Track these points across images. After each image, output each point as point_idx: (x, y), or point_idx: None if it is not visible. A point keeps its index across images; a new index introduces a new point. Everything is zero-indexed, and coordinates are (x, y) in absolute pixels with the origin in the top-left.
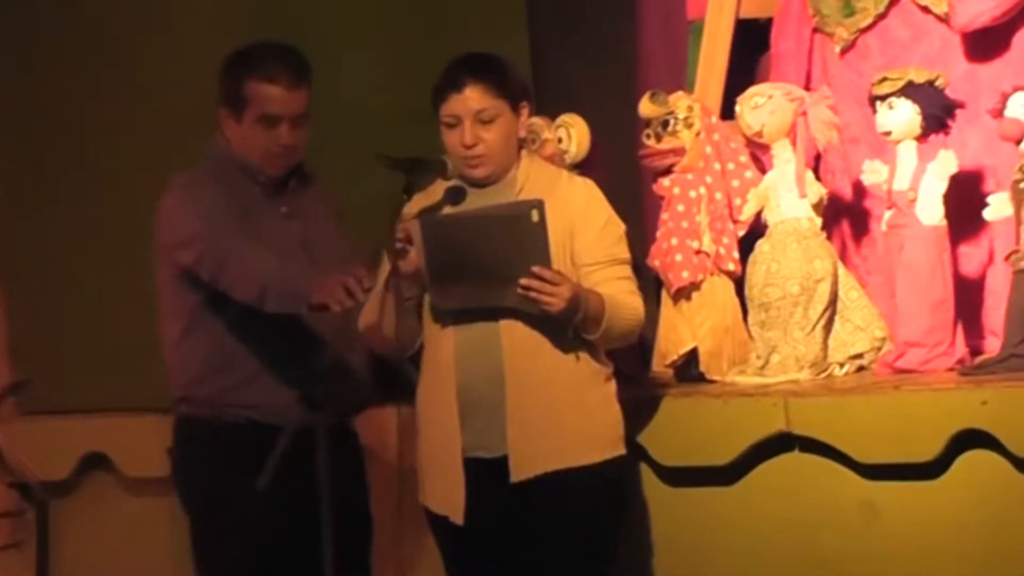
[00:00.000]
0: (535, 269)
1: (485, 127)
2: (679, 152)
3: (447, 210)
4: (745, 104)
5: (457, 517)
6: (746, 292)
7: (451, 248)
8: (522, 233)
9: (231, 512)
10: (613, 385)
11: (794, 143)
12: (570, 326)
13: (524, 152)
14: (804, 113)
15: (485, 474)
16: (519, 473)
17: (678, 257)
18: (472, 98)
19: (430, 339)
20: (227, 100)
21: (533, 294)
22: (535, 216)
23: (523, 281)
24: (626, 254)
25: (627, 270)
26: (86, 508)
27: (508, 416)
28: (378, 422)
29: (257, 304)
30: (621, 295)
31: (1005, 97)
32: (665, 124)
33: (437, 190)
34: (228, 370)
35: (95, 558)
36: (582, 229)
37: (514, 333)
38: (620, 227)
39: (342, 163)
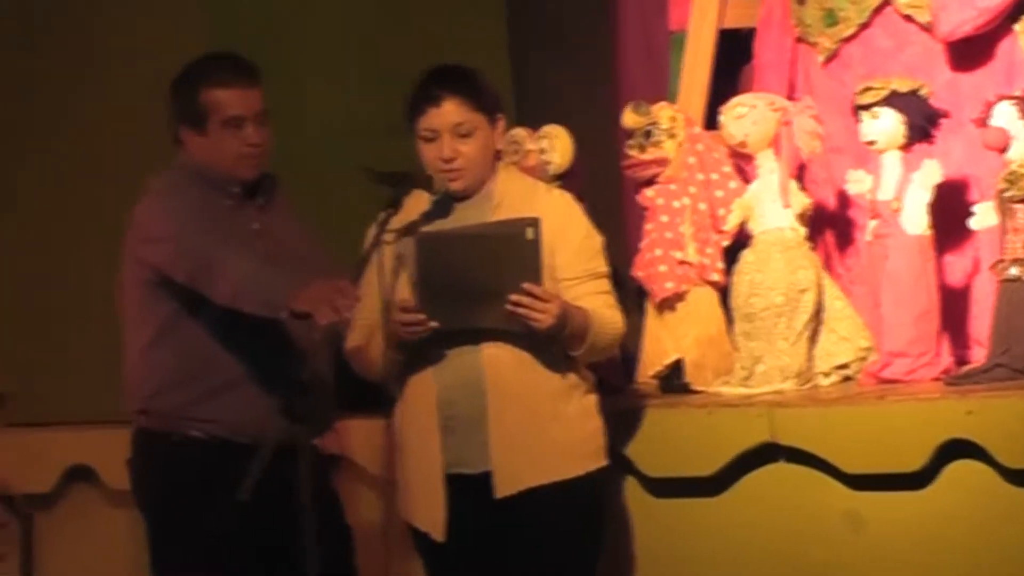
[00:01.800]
0: (526, 286)
1: (463, 140)
2: (662, 163)
3: (434, 225)
4: (728, 114)
5: (438, 534)
6: (730, 302)
7: (444, 265)
8: (516, 251)
9: (188, 529)
10: (594, 396)
11: (778, 153)
12: (556, 342)
13: (500, 164)
14: (787, 123)
15: (467, 490)
16: (503, 489)
17: (662, 268)
18: (450, 111)
19: (410, 354)
20: (185, 116)
21: (522, 311)
22: (530, 234)
23: (513, 297)
24: (605, 267)
25: (606, 284)
26: (70, 520)
27: (490, 432)
28: (362, 434)
29: (234, 303)
30: (602, 309)
31: (989, 106)
32: (648, 134)
33: (416, 204)
34: (195, 383)
35: (79, 570)
36: (561, 244)
37: (494, 347)
38: (598, 240)
39: (317, 176)
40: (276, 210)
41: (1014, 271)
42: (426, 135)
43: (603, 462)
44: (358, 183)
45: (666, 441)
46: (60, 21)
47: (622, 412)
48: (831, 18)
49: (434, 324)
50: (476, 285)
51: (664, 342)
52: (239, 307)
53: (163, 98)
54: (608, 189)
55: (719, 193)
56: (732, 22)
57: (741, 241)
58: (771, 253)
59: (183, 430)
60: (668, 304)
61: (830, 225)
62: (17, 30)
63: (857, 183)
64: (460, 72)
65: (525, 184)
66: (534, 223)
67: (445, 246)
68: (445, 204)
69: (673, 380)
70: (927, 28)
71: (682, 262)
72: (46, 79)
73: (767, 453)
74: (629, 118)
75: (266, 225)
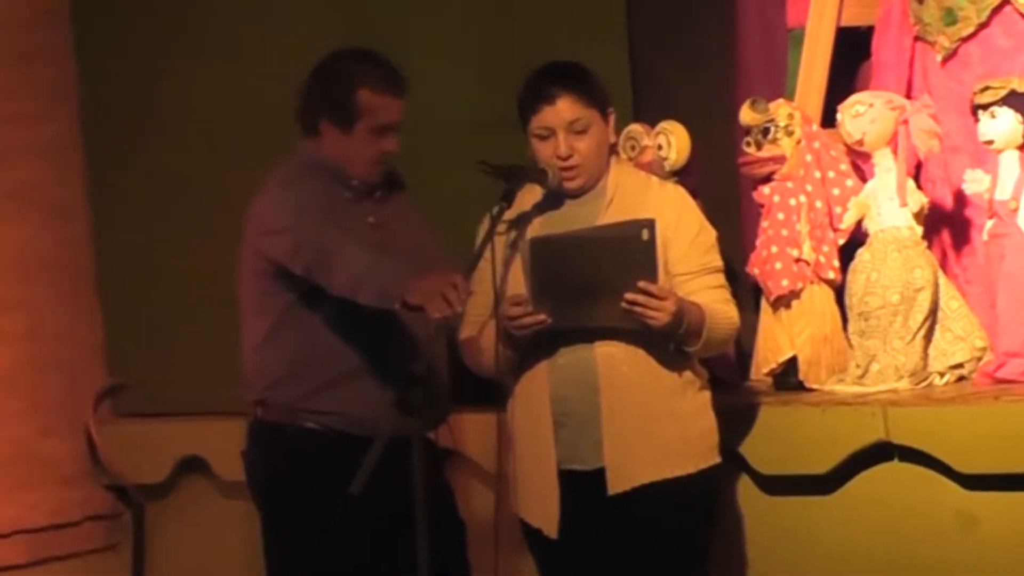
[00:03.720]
0: (642, 284)
1: (578, 137)
2: (779, 160)
3: (546, 219)
4: (846, 112)
5: (551, 531)
6: (846, 301)
7: (559, 268)
8: (632, 253)
9: (302, 520)
10: (708, 394)
11: (895, 152)
12: (672, 340)
13: (614, 159)
14: (905, 122)
15: (579, 487)
16: (616, 486)
17: (778, 265)
18: (565, 109)
19: (523, 351)
20: (333, 111)
21: (639, 309)
22: (645, 235)
23: (629, 296)
24: (719, 262)
25: (721, 278)
26: (182, 511)
27: (604, 428)
28: (475, 429)
29: (352, 294)
30: (717, 304)
31: None
32: (765, 132)
33: (528, 197)
34: (311, 374)
35: (191, 561)
36: (675, 238)
37: (608, 345)
38: (712, 234)
39: (432, 169)
40: (393, 204)
41: None
42: (541, 133)
43: (716, 459)
44: (474, 176)
45: (779, 439)
46: (182, 17)
47: (736, 409)
48: (950, 17)
49: (545, 318)
50: (591, 286)
51: (779, 339)
52: (356, 298)
53: (288, 89)
54: (724, 186)
55: (836, 191)
56: (850, 20)
57: (857, 239)
58: (887, 252)
59: (299, 422)
60: (783, 302)
61: (946, 224)
62: (141, 28)
63: (974, 182)
64: (571, 68)
65: (639, 179)
66: (650, 224)
67: (560, 249)
68: (557, 198)
69: (787, 378)
70: None
71: (798, 260)
72: (167, 74)
73: (881, 452)
74: (747, 115)
75: (382, 219)
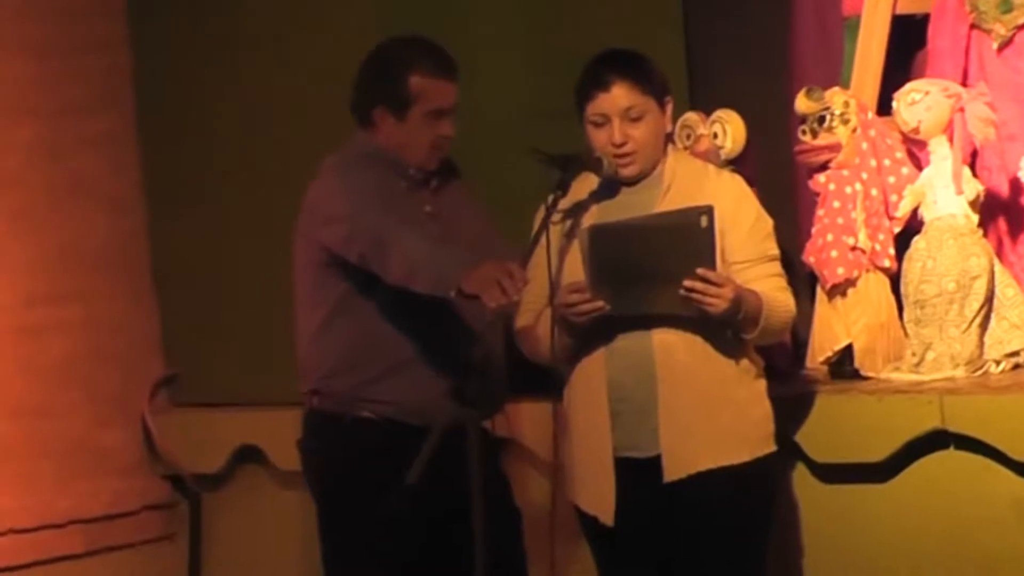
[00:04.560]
0: (700, 271)
1: (634, 124)
2: (835, 148)
3: (602, 207)
4: (902, 100)
5: (607, 518)
6: (901, 289)
7: (617, 255)
8: (690, 240)
9: (358, 510)
10: (763, 382)
11: (951, 140)
12: (730, 326)
13: (670, 147)
14: (961, 110)
15: (636, 474)
16: (672, 473)
17: (833, 253)
18: (620, 96)
19: (580, 339)
20: (387, 98)
21: (696, 295)
22: (704, 222)
23: (687, 283)
24: (776, 250)
25: (777, 266)
26: (238, 501)
27: (660, 415)
28: (530, 417)
29: (407, 283)
30: (774, 292)
31: None
32: (821, 120)
33: (584, 186)
34: (367, 364)
35: (247, 550)
36: (732, 226)
37: (665, 332)
38: (769, 223)
39: (488, 158)
40: (449, 193)
41: None
42: (596, 120)
43: (772, 447)
44: (529, 165)
45: (835, 427)
46: (237, 7)
47: (791, 397)
48: (1006, 5)
49: (603, 305)
50: (649, 273)
51: (834, 328)
52: (411, 287)
53: (342, 81)
54: (780, 174)
55: (891, 179)
56: (906, 8)
57: (913, 227)
58: (943, 240)
59: (355, 411)
60: (839, 290)
61: (1002, 212)
62: (196, 18)
63: None
64: (628, 56)
65: (695, 167)
66: (708, 211)
67: (618, 237)
68: (613, 186)
69: (843, 366)
70: None
71: (853, 248)
72: (222, 66)
73: (937, 440)
74: (802, 103)
75: (438, 208)
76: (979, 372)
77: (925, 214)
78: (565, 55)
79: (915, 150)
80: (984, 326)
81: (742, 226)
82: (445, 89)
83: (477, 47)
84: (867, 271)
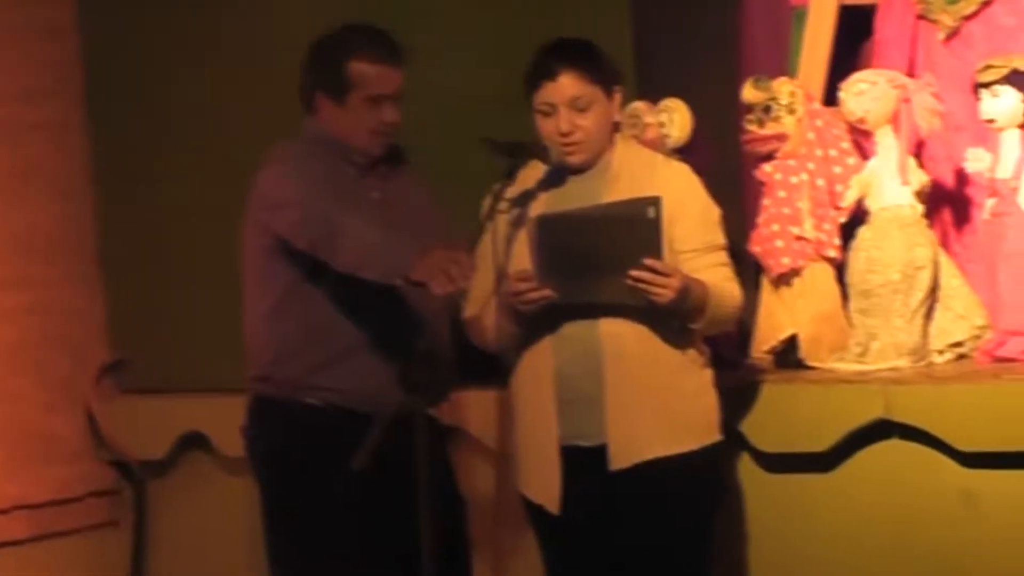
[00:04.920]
0: (647, 261)
1: (581, 114)
2: (781, 138)
3: (549, 196)
4: (848, 90)
5: (553, 507)
6: (847, 279)
7: (565, 244)
8: (638, 230)
9: (303, 496)
10: (710, 371)
11: (897, 130)
12: (677, 316)
13: (618, 136)
14: (907, 100)
15: (582, 463)
16: (618, 462)
17: (779, 243)
18: (567, 85)
19: (527, 328)
20: (326, 84)
21: (644, 285)
22: (651, 213)
23: (634, 272)
24: (723, 239)
25: (724, 256)
26: (183, 487)
27: (607, 404)
28: (477, 405)
29: (355, 270)
30: (721, 282)
31: None
32: (768, 110)
33: (532, 174)
34: (314, 351)
35: (192, 537)
36: (680, 215)
37: (612, 321)
38: (717, 212)
39: (437, 146)
40: (398, 180)
41: None
42: (544, 109)
43: (718, 437)
44: (478, 154)
45: (780, 416)
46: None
47: (737, 387)
48: None
49: (550, 293)
50: (596, 262)
51: (779, 317)
52: (360, 274)
53: (291, 68)
54: (727, 163)
55: (837, 169)
56: None
57: (858, 218)
58: (889, 230)
59: (301, 398)
60: (784, 279)
61: (948, 203)
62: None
63: (976, 161)
64: (577, 45)
65: (643, 156)
66: (655, 202)
67: (566, 226)
68: (561, 175)
69: (788, 355)
70: None
71: (799, 238)
72: (171, 53)
73: (881, 430)
74: (749, 93)
75: (387, 195)
76: (923, 362)
77: (871, 204)
78: (515, 44)
79: (861, 140)
80: (929, 316)
81: (690, 215)
82: (385, 75)
83: (429, 36)
84: (812, 261)
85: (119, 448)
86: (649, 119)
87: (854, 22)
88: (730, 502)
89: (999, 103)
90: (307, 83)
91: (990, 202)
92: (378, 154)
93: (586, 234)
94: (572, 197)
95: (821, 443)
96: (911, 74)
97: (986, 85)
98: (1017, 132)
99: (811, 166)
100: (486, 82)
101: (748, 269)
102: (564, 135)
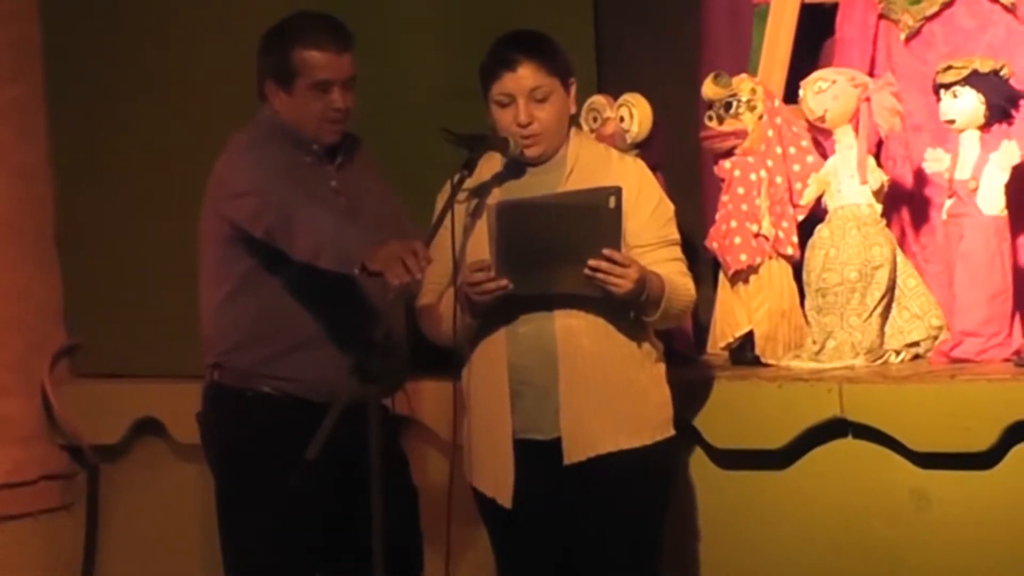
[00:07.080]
0: (605, 251)
1: (539, 105)
2: (741, 135)
3: (506, 188)
4: (808, 88)
5: (505, 500)
6: (804, 277)
7: (523, 233)
8: (597, 220)
9: (256, 484)
10: (663, 366)
11: (856, 129)
12: (632, 308)
13: (573, 130)
14: (867, 99)
15: (535, 456)
16: (572, 456)
17: (737, 240)
18: (526, 76)
19: (482, 320)
20: (274, 73)
21: (601, 276)
22: (612, 203)
23: (592, 263)
24: (676, 235)
25: (678, 251)
26: (137, 472)
27: (561, 398)
28: (431, 396)
29: (312, 259)
30: (675, 276)
31: None
32: (728, 106)
33: (489, 166)
34: (269, 340)
35: (144, 522)
36: (634, 210)
37: (568, 314)
38: (671, 208)
39: (396, 137)
40: (355, 169)
41: None
42: (501, 100)
43: (671, 432)
44: (437, 146)
45: (735, 413)
46: None
47: (691, 382)
48: None
49: (507, 284)
50: (555, 252)
51: (736, 314)
52: (316, 263)
53: (249, 56)
54: (686, 159)
55: (796, 167)
56: None
57: (817, 216)
58: (846, 229)
59: (256, 386)
60: (741, 276)
61: (906, 203)
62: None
63: (935, 162)
64: (534, 37)
65: (598, 151)
66: (616, 192)
67: (524, 215)
68: (518, 167)
69: (744, 352)
70: (1010, 9)
71: (757, 235)
72: (132, 37)
73: (835, 428)
74: (709, 89)
75: (344, 184)
76: (879, 361)
77: (829, 203)
78: (476, 37)
79: (821, 138)
80: (885, 316)
81: (644, 210)
82: (330, 61)
83: (390, 28)
84: (770, 258)
85: (73, 432)
86: (609, 113)
87: (815, 20)
88: (683, 498)
89: (958, 104)
90: (258, 72)
91: (948, 203)
92: (331, 141)
93: (545, 222)
94: (528, 189)
95: (775, 441)
96: (871, 73)
97: (946, 86)
98: (976, 133)
99: (770, 163)
100: (446, 75)
101: (706, 265)
102: (523, 126)
